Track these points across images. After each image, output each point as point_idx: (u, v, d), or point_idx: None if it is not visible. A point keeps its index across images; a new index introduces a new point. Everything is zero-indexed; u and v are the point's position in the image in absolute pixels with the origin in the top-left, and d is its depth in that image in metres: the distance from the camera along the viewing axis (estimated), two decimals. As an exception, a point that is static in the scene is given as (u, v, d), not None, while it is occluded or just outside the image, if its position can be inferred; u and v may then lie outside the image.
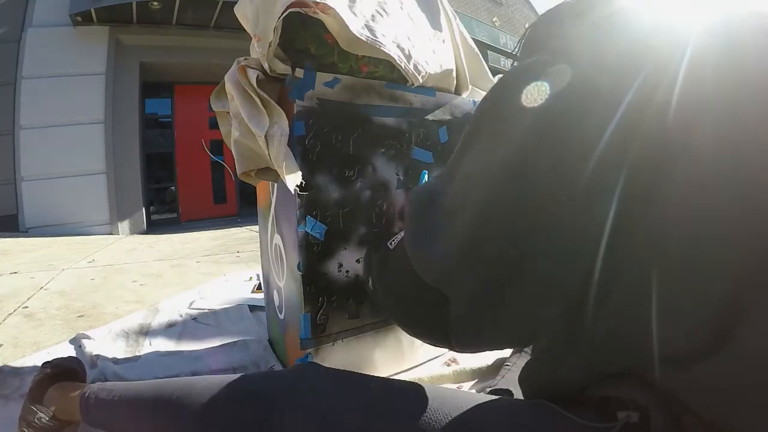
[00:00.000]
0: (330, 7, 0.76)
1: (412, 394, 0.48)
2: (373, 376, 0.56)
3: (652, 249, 0.33)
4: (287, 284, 0.95)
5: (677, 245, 0.32)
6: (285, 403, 0.49)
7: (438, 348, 1.10)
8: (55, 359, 0.84)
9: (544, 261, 0.38)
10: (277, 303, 1.06)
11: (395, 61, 0.85)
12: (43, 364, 0.82)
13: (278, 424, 0.48)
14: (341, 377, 0.54)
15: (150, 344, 1.25)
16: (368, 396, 0.49)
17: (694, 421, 0.33)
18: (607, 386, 0.39)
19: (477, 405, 0.45)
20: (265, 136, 0.79)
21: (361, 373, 0.56)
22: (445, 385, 0.96)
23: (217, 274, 2.30)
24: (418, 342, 1.06)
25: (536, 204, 0.37)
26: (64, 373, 0.80)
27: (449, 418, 0.44)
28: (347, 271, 0.92)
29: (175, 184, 7.05)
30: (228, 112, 0.96)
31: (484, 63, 1.20)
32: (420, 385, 0.51)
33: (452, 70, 1.05)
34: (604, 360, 0.38)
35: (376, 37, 0.82)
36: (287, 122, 0.81)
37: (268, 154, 0.80)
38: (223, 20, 5.79)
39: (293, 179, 0.79)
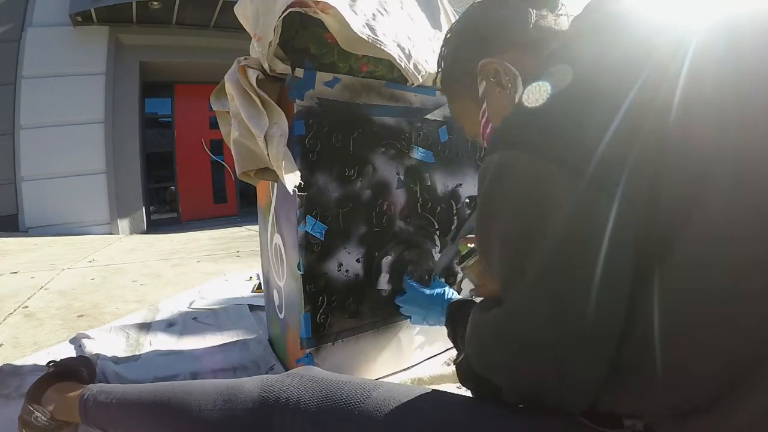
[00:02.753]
0: (331, 6, 0.76)
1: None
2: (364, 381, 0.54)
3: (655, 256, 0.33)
4: (287, 284, 0.95)
5: (680, 249, 0.32)
6: (283, 411, 0.50)
7: (436, 347, 1.10)
8: (62, 359, 0.84)
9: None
10: (277, 302, 1.06)
11: (395, 60, 0.85)
12: (48, 362, 0.82)
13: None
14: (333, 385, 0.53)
15: (150, 344, 1.24)
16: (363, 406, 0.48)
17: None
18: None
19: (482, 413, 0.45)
20: (265, 137, 0.79)
21: (352, 381, 0.54)
22: (444, 386, 0.95)
23: (217, 274, 2.30)
24: (417, 341, 1.06)
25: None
26: (66, 373, 0.79)
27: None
28: (347, 271, 0.92)
29: (175, 183, 7.06)
30: (228, 112, 0.96)
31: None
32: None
33: (452, 69, 1.04)
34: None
35: (377, 35, 0.82)
36: (287, 122, 0.81)
37: (267, 154, 0.80)
38: (223, 20, 5.79)
39: (292, 179, 0.79)
